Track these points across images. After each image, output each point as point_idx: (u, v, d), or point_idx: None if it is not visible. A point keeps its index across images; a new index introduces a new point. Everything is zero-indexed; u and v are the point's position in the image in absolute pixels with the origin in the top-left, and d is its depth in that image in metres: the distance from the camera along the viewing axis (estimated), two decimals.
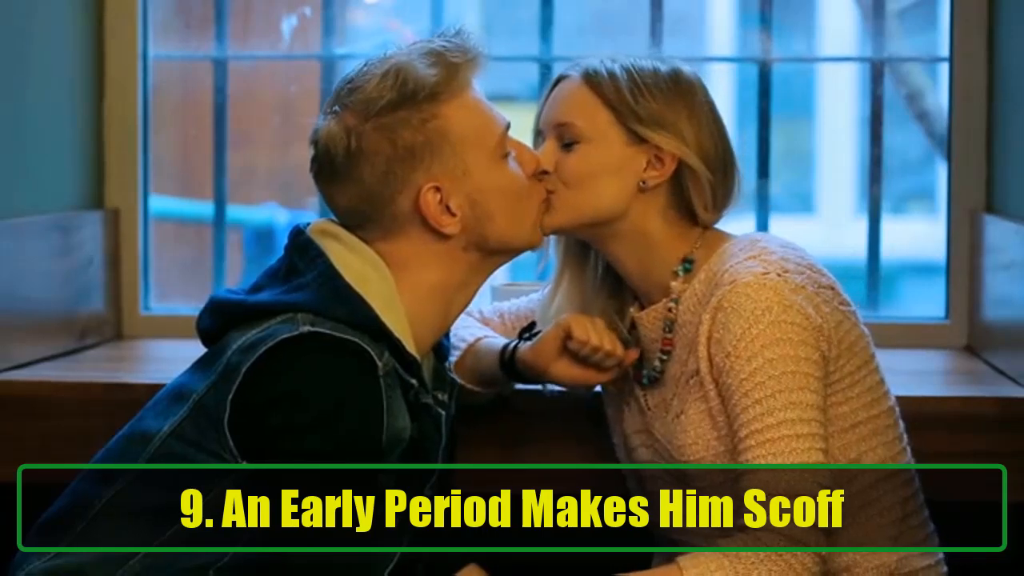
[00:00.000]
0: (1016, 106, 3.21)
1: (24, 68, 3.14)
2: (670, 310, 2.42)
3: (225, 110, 3.57)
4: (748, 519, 2.23)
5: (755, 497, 2.24)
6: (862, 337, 2.39)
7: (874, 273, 3.49)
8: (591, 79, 2.41)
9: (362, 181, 2.28)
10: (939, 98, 3.66)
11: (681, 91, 2.42)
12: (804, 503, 2.23)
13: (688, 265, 2.42)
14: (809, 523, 2.22)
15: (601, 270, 2.52)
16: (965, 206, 3.43)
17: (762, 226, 3.47)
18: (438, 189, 2.28)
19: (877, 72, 3.52)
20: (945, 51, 3.48)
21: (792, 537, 2.22)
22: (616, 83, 2.40)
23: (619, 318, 2.51)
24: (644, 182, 2.41)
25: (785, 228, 3.48)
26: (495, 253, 2.35)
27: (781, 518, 2.22)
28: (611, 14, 3.90)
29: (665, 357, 2.44)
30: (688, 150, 2.39)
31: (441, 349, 2.43)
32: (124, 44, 3.49)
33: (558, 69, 3.45)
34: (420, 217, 2.28)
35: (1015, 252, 3.04)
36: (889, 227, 3.52)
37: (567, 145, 2.41)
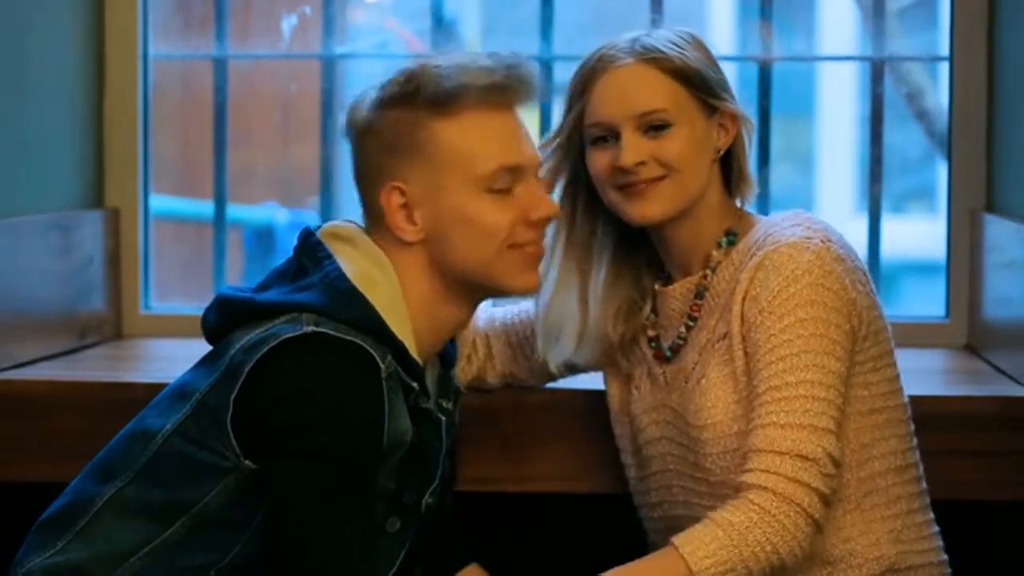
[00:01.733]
0: (1016, 106, 3.21)
1: (24, 68, 3.14)
2: (705, 277, 2.43)
3: (225, 109, 3.57)
4: (746, 476, 2.24)
5: (757, 452, 2.25)
6: (885, 329, 2.41)
7: (874, 272, 3.47)
8: (659, 60, 2.39)
9: (359, 159, 2.32)
10: (939, 97, 3.66)
11: (707, 49, 2.45)
12: (803, 465, 2.23)
13: (732, 237, 2.43)
14: (805, 483, 2.22)
15: (608, 264, 2.50)
16: (965, 205, 3.43)
17: None
18: (403, 193, 2.28)
19: (877, 71, 3.52)
20: (945, 51, 3.47)
21: (785, 496, 2.22)
22: (683, 57, 2.39)
23: (639, 296, 2.51)
24: (719, 150, 2.43)
25: None
26: (460, 282, 2.30)
27: (778, 476, 2.22)
28: (611, 13, 3.90)
29: (692, 324, 2.45)
30: (740, 107, 2.44)
31: (447, 357, 2.43)
32: (124, 44, 3.48)
33: (559, 68, 3.48)
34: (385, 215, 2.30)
35: (1015, 252, 3.05)
36: (889, 226, 3.52)
37: (654, 131, 2.39)
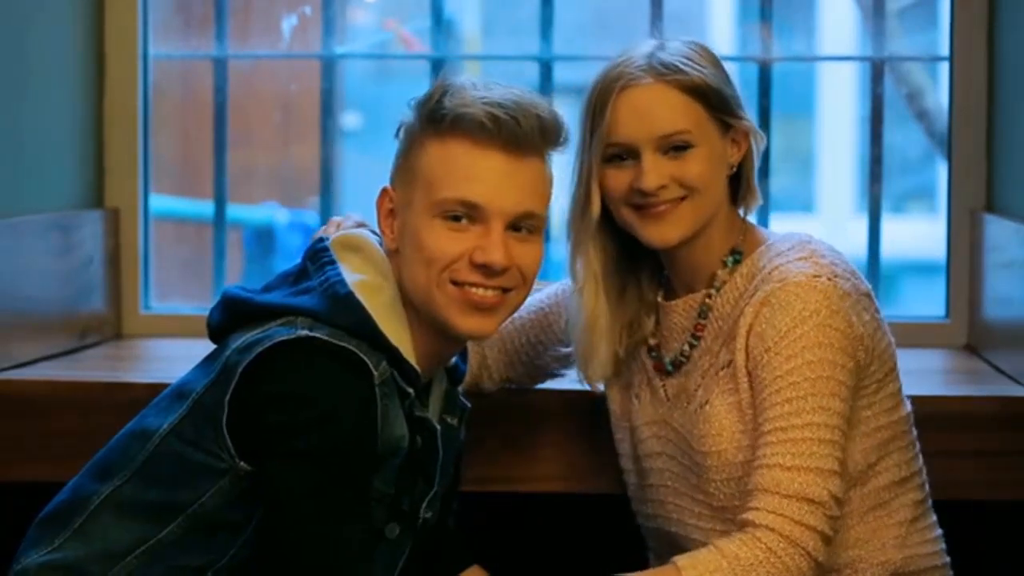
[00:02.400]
0: (1016, 106, 3.21)
1: (24, 68, 3.14)
2: (709, 296, 2.42)
3: (225, 110, 3.57)
4: (752, 514, 2.24)
5: (764, 493, 2.24)
6: (890, 345, 2.41)
7: (874, 272, 3.48)
8: (679, 79, 2.36)
9: None
10: (939, 97, 3.66)
11: (719, 61, 2.42)
12: (810, 508, 2.23)
13: (737, 256, 2.42)
14: (811, 527, 2.22)
15: (614, 280, 2.47)
16: (965, 205, 3.43)
17: (762, 226, 3.46)
18: (391, 199, 2.30)
19: (877, 71, 3.52)
20: (945, 51, 3.48)
21: (792, 539, 2.22)
22: (702, 75, 2.36)
23: (643, 310, 2.50)
24: (732, 167, 2.41)
25: (785, 227, 3.48)
26: (416, 307, 2.29)
27: (785, 518, 2.22)
28: (611, 13, 3.90)
29: (695, 343, 2.44)
30: (752, 122, 2.42)
31: (456, 374, 2.43)
32: (124, 44, 3.49)
33: (559, 68, 3.48)
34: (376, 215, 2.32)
35: (1015, 252, 3.05)
36: (889, 226, 3.52)
37: (675, 151, 2.36)
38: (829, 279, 2.32)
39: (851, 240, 3.57)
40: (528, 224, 2.27)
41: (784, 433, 2.26)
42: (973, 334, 3.39)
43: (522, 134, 2.23)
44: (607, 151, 2.38)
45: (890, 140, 3.56)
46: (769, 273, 2.35)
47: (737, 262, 2.42)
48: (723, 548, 2.22)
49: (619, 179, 2.38)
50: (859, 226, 3.52)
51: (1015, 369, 2.98)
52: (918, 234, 3.95)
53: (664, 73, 2.36)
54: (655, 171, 2.35)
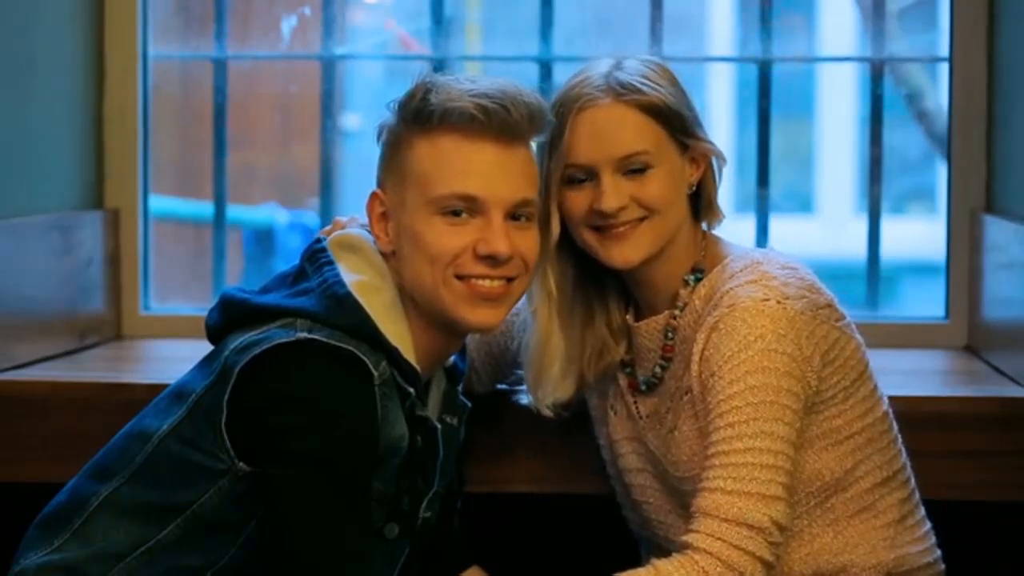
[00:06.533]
0: (1016, 106, 3.21)
1: (24, 68, 3.14)
2: (674, 317, 2.41)
3: (225, 110, 3.57)
4: (692, 537, 2.23)
5: (705, 516, 2.23)
6: (857, 350, 2.39)
7: (874, 273, 3.48)
8: (637, 99, 2.35)
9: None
10: (939, 98, 3.66)
11: (678, 81, 2.41)
12: (749, 533, 2.21)
13: (699, 275, 2.40)
14: (750, 552, 2.21)
15: (581, 304, 2.47)
16: (965, 206, 3.43)
17: (762, 227, 3.46)
18: (382, 202, 2.30)
19: (877, 72, 3.52)
20: (945, 51, 3.48)
21: (729, 564, 2.20)
22: (660, 95, 2.35)
23: (611, 332, 2.49)
24: (691, 186, 2.40)
25: (785, 228, 3.48)
26: (419, 305, 2.29)
27: (723, 542, 2.21)
28: (611, 14, 3.90)
29: (665, 364, 2.43)
30: (713, 144, 2.40)
31: (455, 372, 2.43)
32: (124, 44, 3.49)
33: (559, 69, 3.48)
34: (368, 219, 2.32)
35: (1015, 252, 3.05)
36: (889, 227, 3.52)
37: (634, 172, 2.35)
38: (778, 302, 2.30)
39: (851, 241, 3.57)
40: (525, 211, 2.29)
41: (726, 457, 2.25)
42: (973, 335, 3.39)
43: (513, 122, 2.24)
44: (566, 172, 2.37)
45: (890, 141, 3.56)
46: (720, 298, 2.34)
47: (698, 280, 2.40)
48: (660, 568, 2.21)
49: (578, 201, 2.38)
50: (859, 226, 3.52)
51: (1015, 370, 2.98)
52: (918, 234, 3.96)
53: (622, 93, 2.35)
54: (615, 192, 2.34)
